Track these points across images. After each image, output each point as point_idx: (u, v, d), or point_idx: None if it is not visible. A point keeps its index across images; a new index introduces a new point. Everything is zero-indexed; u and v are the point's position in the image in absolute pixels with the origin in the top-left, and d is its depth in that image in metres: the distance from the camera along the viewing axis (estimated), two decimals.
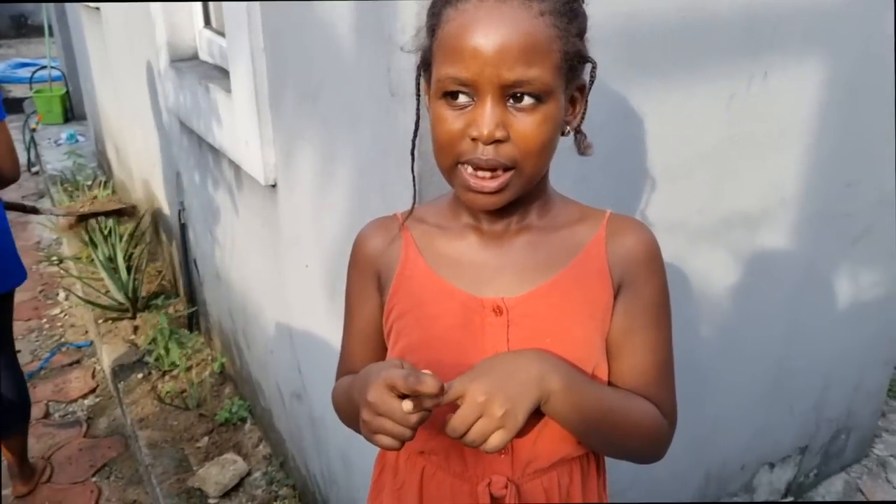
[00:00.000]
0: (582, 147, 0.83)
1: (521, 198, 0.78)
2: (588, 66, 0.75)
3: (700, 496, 1.84)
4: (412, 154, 0.82)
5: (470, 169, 0.73)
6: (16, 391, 2.32)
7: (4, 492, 2.48)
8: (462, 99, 0.71)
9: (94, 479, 2.56)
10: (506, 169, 0.72)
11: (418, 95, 0.80)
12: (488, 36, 0.67)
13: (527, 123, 0.70)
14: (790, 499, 2.14)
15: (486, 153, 0.71)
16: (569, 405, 0.74)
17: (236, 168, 1.98)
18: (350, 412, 0.84)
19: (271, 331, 2.04)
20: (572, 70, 0.73)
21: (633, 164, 1.35)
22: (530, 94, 0.69)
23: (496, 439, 0.68)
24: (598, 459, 0.92)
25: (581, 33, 0.73)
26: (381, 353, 0.90)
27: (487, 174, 0.73)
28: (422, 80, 0.79)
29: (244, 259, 2.18)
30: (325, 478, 1.89)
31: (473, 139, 0.71)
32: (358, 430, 0.77)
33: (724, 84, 1.38)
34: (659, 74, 1.29)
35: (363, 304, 0.90)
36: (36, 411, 2.94)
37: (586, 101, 0.79)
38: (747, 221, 1.58)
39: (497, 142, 0.71)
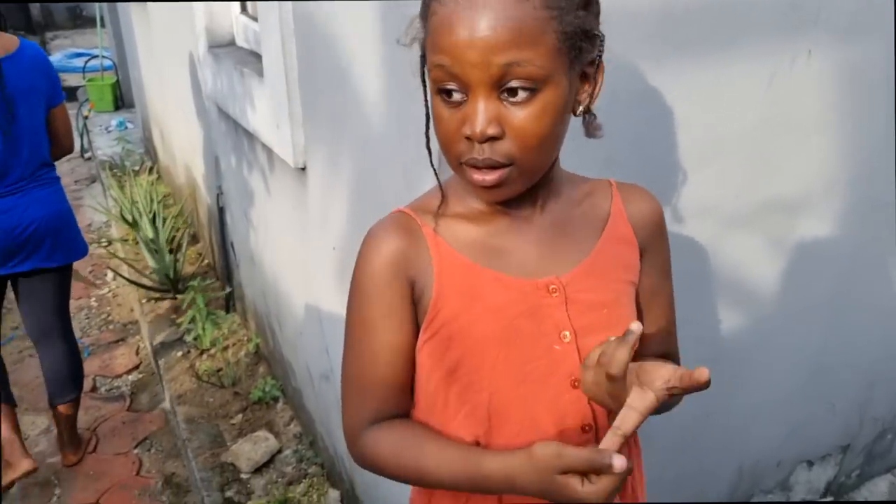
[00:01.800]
0: (591, 129, 0.81)
1: (539, 181, 0.77)
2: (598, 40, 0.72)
3: (732, 491, 1.79)
4: (428, 147, 0.79)
5: (471, 167, 0.72)
6: (71, 361, 2.43)
7: (51, 460, 2.59)
8: (456, 96, 0.68)
9: (135, 451, 2.64)
10: (504, 165, 0.70)
11: (425, 87, 0.75)
12: (473, 26, 0.64)
13: (523, 117, 0.68)
14: (829, 498, 2.06)
15: (482, 152, 0.69)
16: None
17: (268, 151, 2.00)
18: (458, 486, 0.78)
19: (301, 313, 2.06)
20: (577, 48, 0.69)
21: (663, 146, 1.30)
22: (523, 86, 0.66)
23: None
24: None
25: (586, 5, 0.69)
26: (412, 371, 0.82)
27: (487, 170, 0.71)
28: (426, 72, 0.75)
29: (276, 241, 2.21)
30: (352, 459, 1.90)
31: (468, 138, 0.69)
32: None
33: (765, 63, 1.32)
34: (694, 52, 1.24)
35: (400, 316, 0.79)
36: (84, 385, 3.06)
37: (599, 77, 0.75)
38: (787, 208, 1.51)
39: (492, 139, 0.68)
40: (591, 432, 0.82)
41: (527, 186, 0.76)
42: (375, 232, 0.81)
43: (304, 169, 1.74)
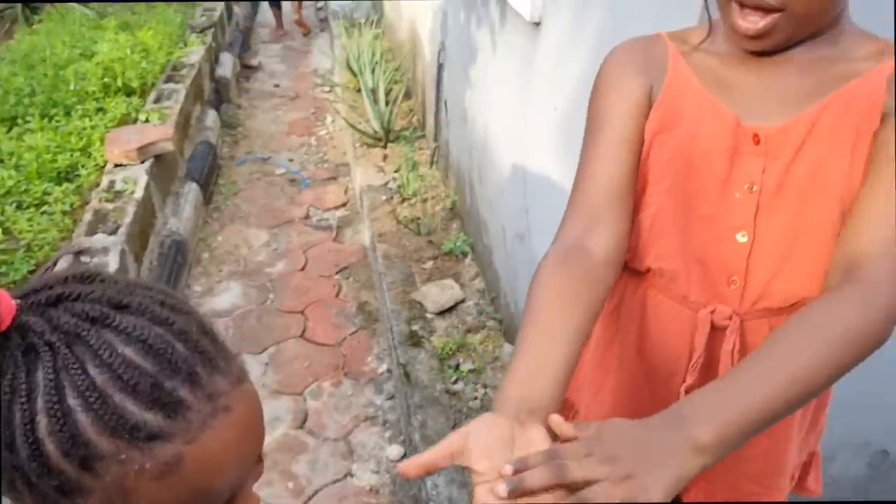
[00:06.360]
0: None
1: (807, 35, 0.72)
2: None
3: None
4: None
5: (737, 7, 0.70)
6: None
7: (269, 269, 3.01)
8: None
9: (336, 277, 2.99)
10: (774, 10, 0.68)
11: None
12: None
13: None
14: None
15: None
16: (737, 439, 0.59)
17: (502, 5, 1.99)
18: None
19: (506, 171, 2.12)
20: None
21: None
22: None
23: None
24: None
25: None
26: (634, 165, 0.81)
27: (756, 15, 0.69)
28: None
29: (493, 99, 2.25)
30: None
31: None
32: None
33: None
34: None
35: (628, 102, 0.79)
36: (299, 212, 3.47)
37: None
38: None
39: None
40: (738, 288, 0.81)
41: (793, 40, 0.72)
42: (625, 41, 0.85)
43: (538, 24, 1.72)
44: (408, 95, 3.91)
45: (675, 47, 0.81)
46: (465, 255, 2.73)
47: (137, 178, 2.76)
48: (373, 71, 3.68)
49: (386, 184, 3.27)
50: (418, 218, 2.95)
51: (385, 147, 3.53)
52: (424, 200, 3.03)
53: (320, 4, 5.96)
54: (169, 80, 3.71)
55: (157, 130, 2.99)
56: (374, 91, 3.60)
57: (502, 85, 2.13)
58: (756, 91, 0.76)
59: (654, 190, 0.82)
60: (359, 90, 3.83)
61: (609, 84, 0.82)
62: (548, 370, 0.65)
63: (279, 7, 5.87)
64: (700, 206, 0.80)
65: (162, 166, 3.01)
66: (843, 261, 0.69)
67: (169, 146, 2.95)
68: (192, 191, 3.20)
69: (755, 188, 0.77)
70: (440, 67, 2.97)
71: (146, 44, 3.70)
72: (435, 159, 3.28)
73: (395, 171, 3.29)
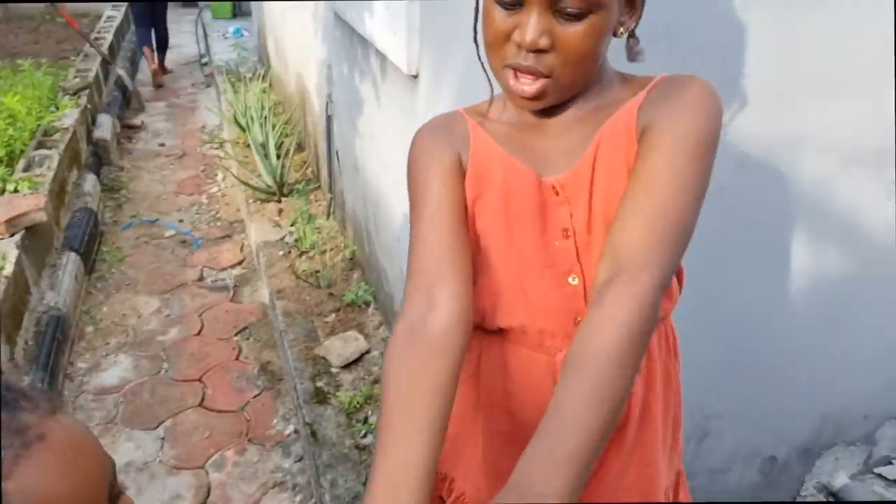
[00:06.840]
0: (632, 53, 0.83)
1: (574, 93, 0.81)
2: None
3: (814, 437, 1.77)
4: (475, 41, 0.83)
5: (512, 72, 0.77)
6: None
7: (161, 337, 2.86)
8: (513, 2, 0.73)
9: (236, 338, 2.87)
10: (544, 76, 0.76)
11: None
12: None
13: (571, 34, 0.72)
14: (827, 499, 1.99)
15: (528, 59, 0.74)
16: (583, 472, 0.61)
17: (382, 59, 2.04)
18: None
19: (399, 219, 2.14)
20: None
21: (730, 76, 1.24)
22: (578, 9, 0.71)
23: None
24: (674, 338, 0.95)
25: None
26: (461, 228, 0.83)
27: (528, 78, 0.76)
28: None
29: (381, 149, 2.28)
30: None
31: (518, 45, 0.74)
32: None
33: None
34: None
35: (441, 170, 0.84)
36: (193, 274, 3.33)
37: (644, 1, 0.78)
38: None
39: (540, 51, 0.73)
40: None
41: (560, 100, 0.80)
42: (429, 120, 0.92)
43: (416, 76, 1.77)
44: (301, 148, 3.89)
45: (473, 120, 0.88)
46: (367, 304, 2.71)
47: (6, 253, 2.56)
48: (262, 125, 3.63)
49: (282, 238, 3.21)
50: (318, 271, 2.90)
51: (280, 201, 3.47)
52: (323, 252, 3.00)
53: (205, 59, 5.85)
54: (40, 146, 3.50)
55: (28, 200, 2.80)
56: (263, 145, 3.55)
57: (389, 134, 2.16)
58: (546, 149, 0.84)
59: (485, 253, 0.86)
60: (248, 145, 3.77)
61: (422, 159, 0.87)
62: (410, 482, 0.65)
63: (152, 49, 5.63)
64: (530, 260, 0.84)
65: (35, 238, 2.82)
66: (606, 258, 0.74)
67: (41, 216, 2.77)
68: (70, 261, 3.01)
69: (570, 233, 0.83)
70: (329, 119, 2.98)
71: (12, 109, 3.48)
72: (331, 210, 3.26)
73: (292, 225, 3.24)
